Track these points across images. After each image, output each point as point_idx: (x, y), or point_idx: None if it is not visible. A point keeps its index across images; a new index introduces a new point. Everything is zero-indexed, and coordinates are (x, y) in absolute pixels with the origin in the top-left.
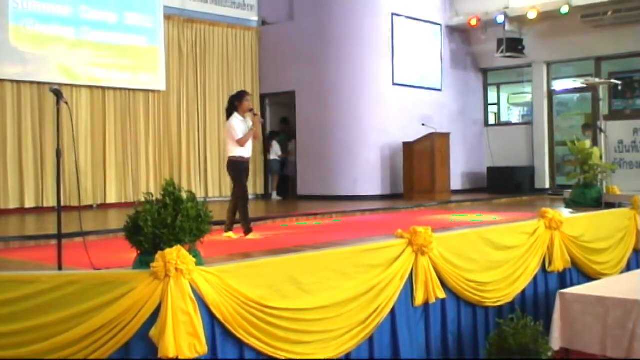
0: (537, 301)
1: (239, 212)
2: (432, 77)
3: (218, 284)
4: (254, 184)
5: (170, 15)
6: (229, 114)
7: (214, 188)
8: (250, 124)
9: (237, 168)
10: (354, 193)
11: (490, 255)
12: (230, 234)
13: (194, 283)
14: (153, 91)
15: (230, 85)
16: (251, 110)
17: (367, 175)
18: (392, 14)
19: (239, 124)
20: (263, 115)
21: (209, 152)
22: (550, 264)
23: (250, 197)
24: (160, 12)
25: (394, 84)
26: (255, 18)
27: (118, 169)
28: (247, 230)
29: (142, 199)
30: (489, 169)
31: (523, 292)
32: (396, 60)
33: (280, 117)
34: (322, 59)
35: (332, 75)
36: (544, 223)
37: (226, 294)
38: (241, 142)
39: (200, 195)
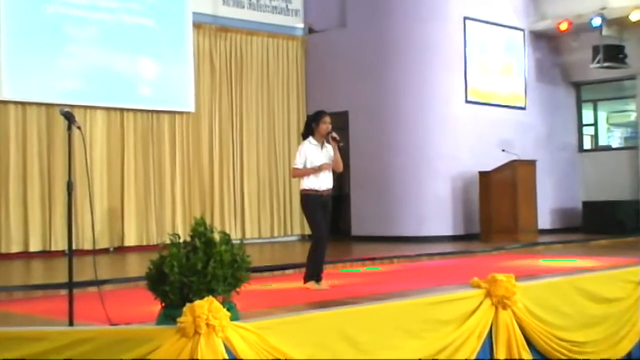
0: None
1: (309, 255)
2: (513, 93)
3: (257, 343)
4: (302, 222)
5: (201, 24)
6: (305, 138)
7: (253, 228)
8: (330, 151)
9: (307, 203)
10: (419, 233)
11: (588, 309)
12: (317, 284)
13: (228, 341)
14: (180, 113)
15: (272, 105)
16: (329, 133)
17: (435, 212)
18: (465, 18)
19: (308, 150)
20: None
21: (247, 185)
22: None
23: (295, 237)
24: (189, 20)
25: (467, 101)
26: (301, 25)
27: (139, 205)
28: (307, 278)
29: (167, 241)
30: (585, 204)
31: (629, 354)
32: (469, 73)
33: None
34: (381, 72)
35: (393, 92)
36: None
37: (266, 354)
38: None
39: (236, 236)
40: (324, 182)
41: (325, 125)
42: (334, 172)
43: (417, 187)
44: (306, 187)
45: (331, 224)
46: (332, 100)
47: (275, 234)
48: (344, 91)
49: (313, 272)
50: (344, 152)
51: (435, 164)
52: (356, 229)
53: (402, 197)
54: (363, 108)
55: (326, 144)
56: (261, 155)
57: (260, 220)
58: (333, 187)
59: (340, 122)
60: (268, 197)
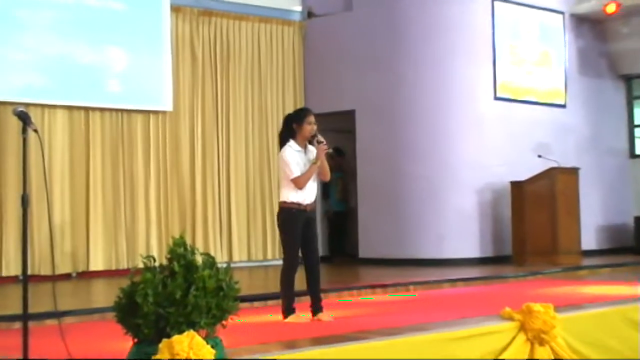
0: None
1: (282, 282)
2: (551, 88)
3: None
4: None
5: (180, 7)
6: (282, 142)
7: (241, 249)
8: (313, 155)
9: (288, 218)
10: (440, 255)
11: None
12: (299, 315)
13: None
14: (155, 112)
15: (263, 102)
16: (314, 136)
17: (458, 230)
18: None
19: (295, 156)
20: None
21: (234, 197)
22: None
23: None
24: (166, 3)
25: (496, 98)
26: (299, 8)
27: (107, 222)
28: (285, 311)
29: (140, 265)
30: (638, 220)
31: None
32: (499, 64)
33: (333, 147)
34: (393, 64)
35: (408, 88)
36: None
37: None
38: (298, 183)
39: (221, 259)
40: (308, 194)
41: (310, 126)
42: (324, 182)
43: (437, 200)
44: (287, 200)
45: (335, 245)
46: (335, 97)
47: (269, 256)
48: (349, 86)
49: (290, 303)
50: (349, 159)
51: (459, 172)
52: (365, 251)
53: (419, 212)
54: (372, 106)
55: (310, 148)
56: (251, 163)
57: (250, 239)
58: (344, 200)
59: (346, 123)
60: (260, 212)
